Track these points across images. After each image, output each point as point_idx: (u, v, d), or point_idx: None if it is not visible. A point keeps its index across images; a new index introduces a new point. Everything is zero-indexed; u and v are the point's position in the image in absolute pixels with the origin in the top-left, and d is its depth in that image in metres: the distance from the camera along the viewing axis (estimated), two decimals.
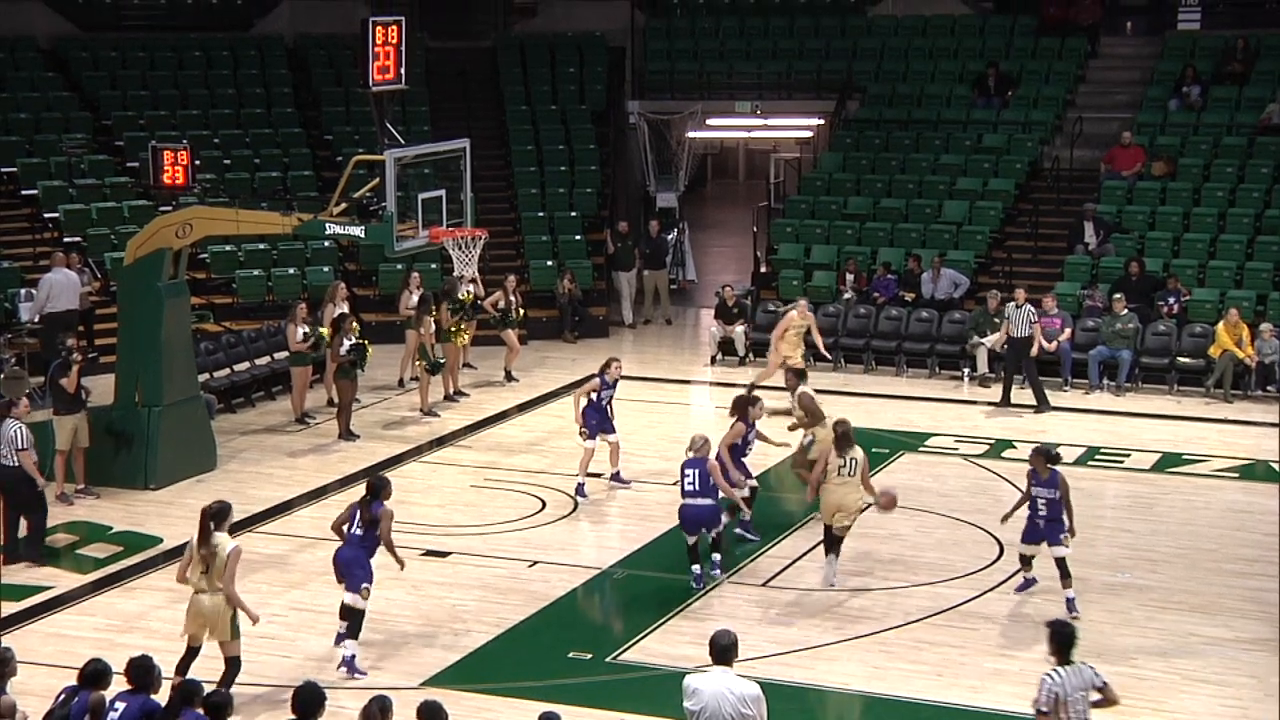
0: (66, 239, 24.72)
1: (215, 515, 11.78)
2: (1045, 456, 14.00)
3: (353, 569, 12.67)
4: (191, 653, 11.84)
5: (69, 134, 26.65)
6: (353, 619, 12.67)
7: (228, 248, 25.13)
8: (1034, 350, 21.37)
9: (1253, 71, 27.16)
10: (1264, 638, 13.42)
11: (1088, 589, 14.59)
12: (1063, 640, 9.61)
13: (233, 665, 11.73)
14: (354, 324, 19.84)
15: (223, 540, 11.70)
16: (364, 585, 12.60)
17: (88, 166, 26.29)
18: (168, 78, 28.99)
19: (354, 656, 12.64)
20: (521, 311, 23.10)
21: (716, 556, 14.79)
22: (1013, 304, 21.55)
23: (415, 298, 21.80)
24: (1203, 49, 27.94)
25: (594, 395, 17.23)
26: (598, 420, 17.28)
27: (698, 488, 14.45)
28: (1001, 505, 16.81)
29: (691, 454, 14.58)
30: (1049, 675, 9.46)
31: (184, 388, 18.33)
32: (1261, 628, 13.65)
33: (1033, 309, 21.42)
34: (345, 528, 12.88)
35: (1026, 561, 14.38)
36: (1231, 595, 14.47)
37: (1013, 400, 21.24)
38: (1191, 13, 28.87)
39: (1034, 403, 21.07)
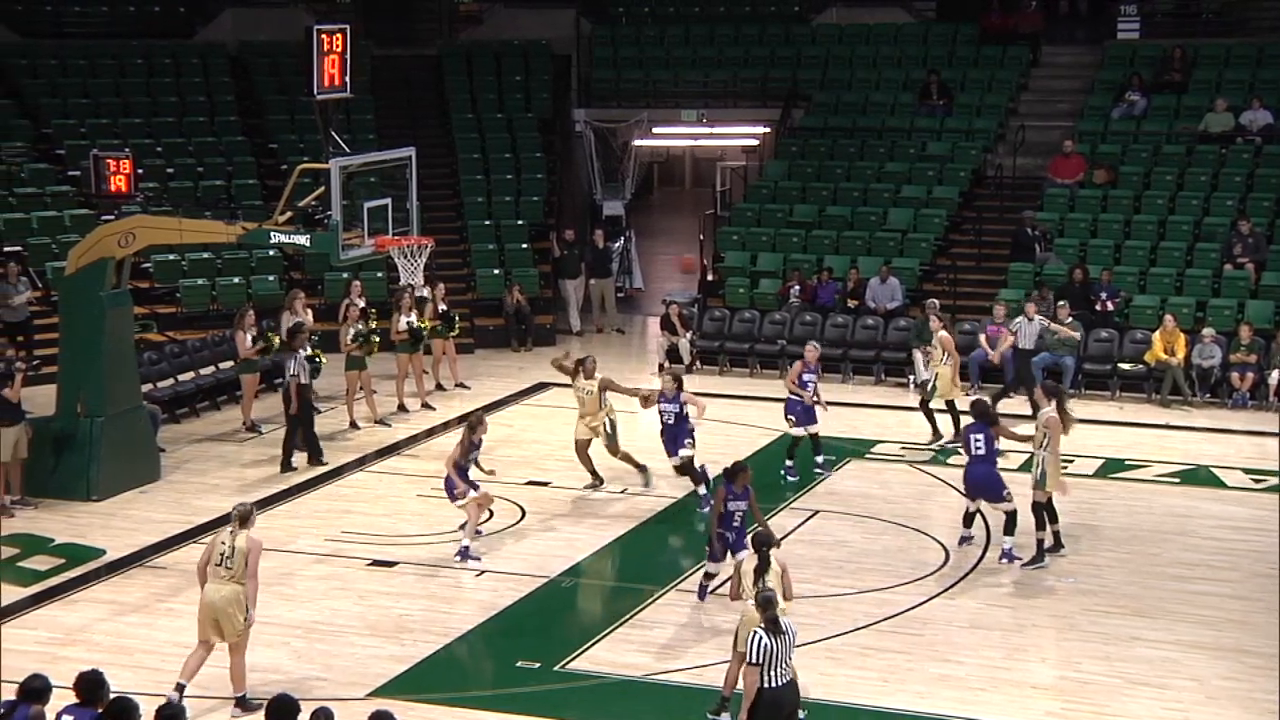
0: (6, 248, 24.48)
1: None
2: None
3: None
4: None
5: (8, 142, 26.39)
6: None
7: (171, 256, 24.96)
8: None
9: (1190, 80, 27.51)
10: (1205, 642, 13.58)
11: (1032, 593, 14.75)
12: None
13: None
14: (310, 335, 19.56)
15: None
16: None
17: (28, 175, 26.05)
18: (109, 85, 28.77)
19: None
20: (455, 317, 22.81)
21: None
22: (1022, 317, 21.79)
23: (361, 302, 21.75)
24: (1142, 58, 28.28)
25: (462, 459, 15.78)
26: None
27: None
28: (948, 511, 16.98)
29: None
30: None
31: (127, 398, 18.18)
32: (1203, 631, 13.80)
33: (1043, 320, 21.67)
34: None
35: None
36: (1174, 599, 14.61)
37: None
38: (1130, 22, 29.18)
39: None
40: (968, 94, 28.50)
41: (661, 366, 24.27)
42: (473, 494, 15.67)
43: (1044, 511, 15.42)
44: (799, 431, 18.12)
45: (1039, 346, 21.95)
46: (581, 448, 17.78)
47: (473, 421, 15.86)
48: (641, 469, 17.84)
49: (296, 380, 18.61)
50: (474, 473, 15.76)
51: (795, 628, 10.94)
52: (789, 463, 18.19)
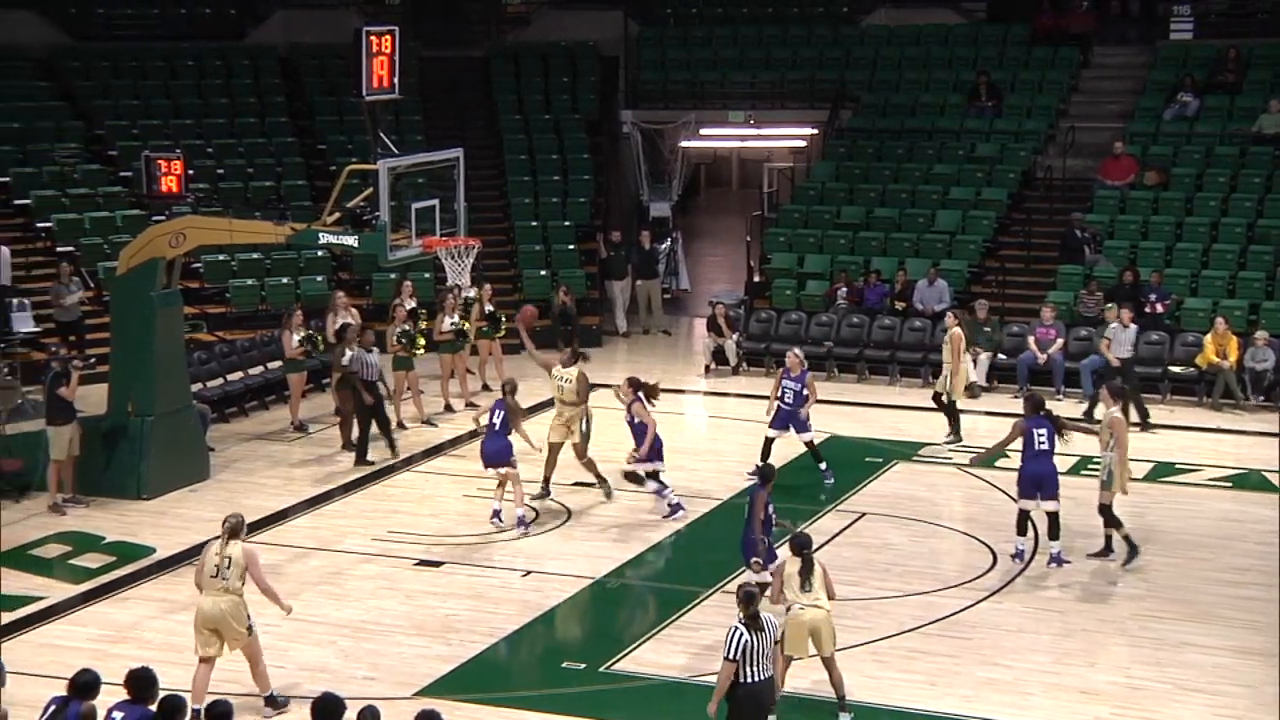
0: (59, 248, 24.72)
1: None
2: None
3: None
4: None
5: (61, 143, 26.64)
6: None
7: (221, 257, 25.12)
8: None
9: (1244, 81, 27.23)
10: (1257, 647, 13.44)
11: (1081, 598, 14.64)
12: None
13: None
14: (369, 335, 19.68)
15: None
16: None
17: (81, 176, 26.29)
18: (160, 87, 29.00)
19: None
20: (501, 318, 22.83)
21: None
22: (1117, 324, 21.23)
23: (411, 303, 21.81)
24: (1195, 58, 28.01)
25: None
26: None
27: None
28: (995, 514, 16.88)
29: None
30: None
31: (177, 397, 18.31)
32: (1255, 637, 13.66)
33: (1135, 329, 21.17)
34: None
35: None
36: (1225, 604, 14.47)
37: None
38: (1184, 22, 28.90)
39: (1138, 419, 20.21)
40: (1018, 95, 28.32)
41: (708, 368, 24.26)
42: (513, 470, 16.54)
43: (1109, 512, 15.33)
44: (771, 433, 18.03)
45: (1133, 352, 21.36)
46: (553, 450, 17.51)
47: (513, 386, 16.96)
48: (602, 481, 17.64)
49: (357, 375, 18.79)
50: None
51: (776, 623, 10.87)
52: (823, 466, 18.14)
